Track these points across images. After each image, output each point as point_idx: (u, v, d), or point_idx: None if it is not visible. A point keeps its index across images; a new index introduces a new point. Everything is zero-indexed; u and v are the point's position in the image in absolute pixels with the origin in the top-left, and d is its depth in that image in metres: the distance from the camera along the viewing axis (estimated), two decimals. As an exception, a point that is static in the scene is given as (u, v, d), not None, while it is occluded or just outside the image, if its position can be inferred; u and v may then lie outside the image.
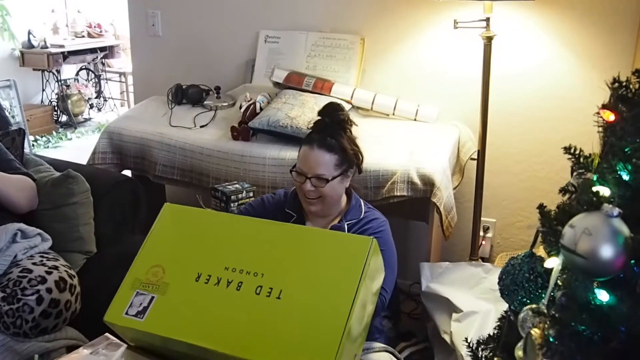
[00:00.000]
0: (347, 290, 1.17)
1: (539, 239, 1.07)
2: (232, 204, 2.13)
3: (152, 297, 1.26)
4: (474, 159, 2.48)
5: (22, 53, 5.77)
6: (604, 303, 0.88)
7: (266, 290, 1.20)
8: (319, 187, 1.75)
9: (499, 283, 1.15)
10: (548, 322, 0.93)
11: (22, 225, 1.83)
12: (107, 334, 1.42)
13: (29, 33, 5.78)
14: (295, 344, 1.14)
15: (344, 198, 1.86)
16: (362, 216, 1.83)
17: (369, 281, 1.23)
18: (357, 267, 1.19)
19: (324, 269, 1.21)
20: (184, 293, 1.25)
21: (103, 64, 6.62)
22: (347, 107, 2.46)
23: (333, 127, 1.79)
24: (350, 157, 1.79)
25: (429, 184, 2.12)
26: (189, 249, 1.31)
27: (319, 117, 1.83)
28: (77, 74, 6.48)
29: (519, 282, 1.09)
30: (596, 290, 0.89)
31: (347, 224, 1.81)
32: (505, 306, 1.17)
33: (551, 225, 1.00)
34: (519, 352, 0.97)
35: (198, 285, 1.25)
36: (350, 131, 1.84)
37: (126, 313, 1.26)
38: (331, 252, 1.24)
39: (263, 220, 1.40)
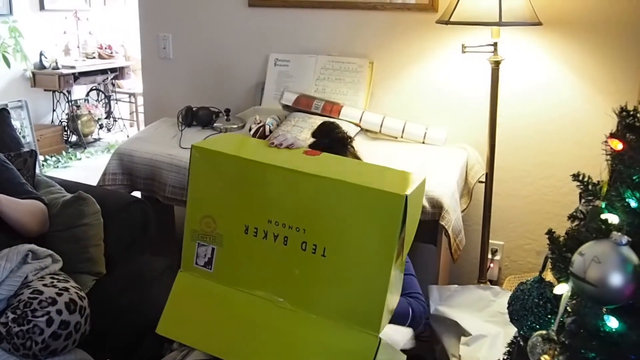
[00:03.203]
0: (387, 248, 1.19)
1: (548, 264, 1.08)
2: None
3: (213, 249, 1.35)
4: (482, 182, 2.49)
5: (33, 74, 5.84)
6: (614, 330, 0.88)
7: (311, 246, 1.25)
8: None
9: (508, 308, 1.15)
10: (558, 349, 0.93)
11: (33, 246, 1.84)
12: None
13: (41, 54, 5.86)
14: (343, 302, 1.23)
15: None
16: None
17: (406, 237, 1.24)
18: (395, 224, 1.17)
19: (362, 227, 1.21)
20: (239, 246, 1.33)
21: (113, 85, 6.69)
22: (355, 129, 2.48)
23: (336, 147, 1.76)
24: None
25: (437, 207, 2.13)
26: (231, 199, 1.35)
27: (315, 139, 1.80)
28: (87, 95, 6.55)
29: (529, 307, 1.09)
30: (606, 317, 0.89)
31: None
32: (514, 330, 1.17)
33: (560, 251, 1.01)
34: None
35: (248, 238, 1.31)
36: (353, 147, 1.83)
37: (196, 263, 1.36)
38: (366, 209, 1.21)
39: (294, 171, 1.31)
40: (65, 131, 6.12)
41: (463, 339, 2.04)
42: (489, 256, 2.67)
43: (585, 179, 1.04)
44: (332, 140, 1.78)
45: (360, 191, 1.19)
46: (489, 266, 2.68)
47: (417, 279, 1.84)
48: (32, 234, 1.95)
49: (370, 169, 1.42)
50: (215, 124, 2.75)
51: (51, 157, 5.56)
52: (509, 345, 1.20)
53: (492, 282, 2.66)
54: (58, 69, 5.85)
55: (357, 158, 1.81)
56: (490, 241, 2.59)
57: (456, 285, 2.28)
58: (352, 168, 1.36)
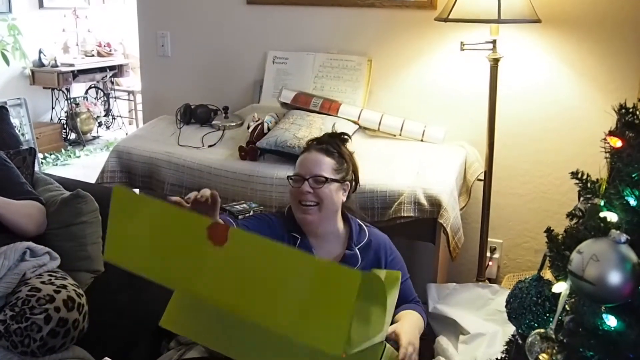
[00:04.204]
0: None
1: (547, 262, 1.07)
2: (239, 224, 2.13)
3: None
4: (480, 180, 2.49)
5: (32, 72, 5.83)
6: (612, 329, 0.88)
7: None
8: (317, 188, 1.70)
9: (506, 306, 1.15)
10: (556, 348, 0.93)
11: (31, 244, 1.84)
12: (106, 358, 1.42)
13: (40, 52, 5.86)
14: None
15: (341, 222, 1.82)
16: (368, 237, 1.82)
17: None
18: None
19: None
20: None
21: (112, 83, 6.68)
22: (353, 127, 2.48)
23: (331, 139, 1.82)
24: (348, 166, 1.80)
25: (436, 205, 2.13)
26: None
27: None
28: (86, 93, 6.54)
29: (527, 305, 1.09)
30: (604, 316, 0.89)
31: (358, 249, 1.80)
32: (512, 328, 1.17)
33: (559, 250, 1.00)
34: (527, 377, 0.96)
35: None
36: (346, 146, 1.85)
37: None
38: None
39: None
40: (64, 129, 6.12)
41: (461, 337, 2.04)
42: (488, 254, 2.66)
43: (584, 177, 1.03)
44: (329, 136, 1.84)
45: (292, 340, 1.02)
46: (488, 264, 2.68)
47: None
48: (29, 234, 1.94)
49: (298, 281, 1.00)
50: (213, 122, 2.75)
51: (50, 154, 5.56)
52: (507, 343, 1.20)
53: (491, 281, 2.65)
54: (57, 66, 5.84)
55: (351, 156, 1.82)
56: (489, 239, 2.59)
57: (455, 284, 2.29)
58: (271, 282, 1.02)
